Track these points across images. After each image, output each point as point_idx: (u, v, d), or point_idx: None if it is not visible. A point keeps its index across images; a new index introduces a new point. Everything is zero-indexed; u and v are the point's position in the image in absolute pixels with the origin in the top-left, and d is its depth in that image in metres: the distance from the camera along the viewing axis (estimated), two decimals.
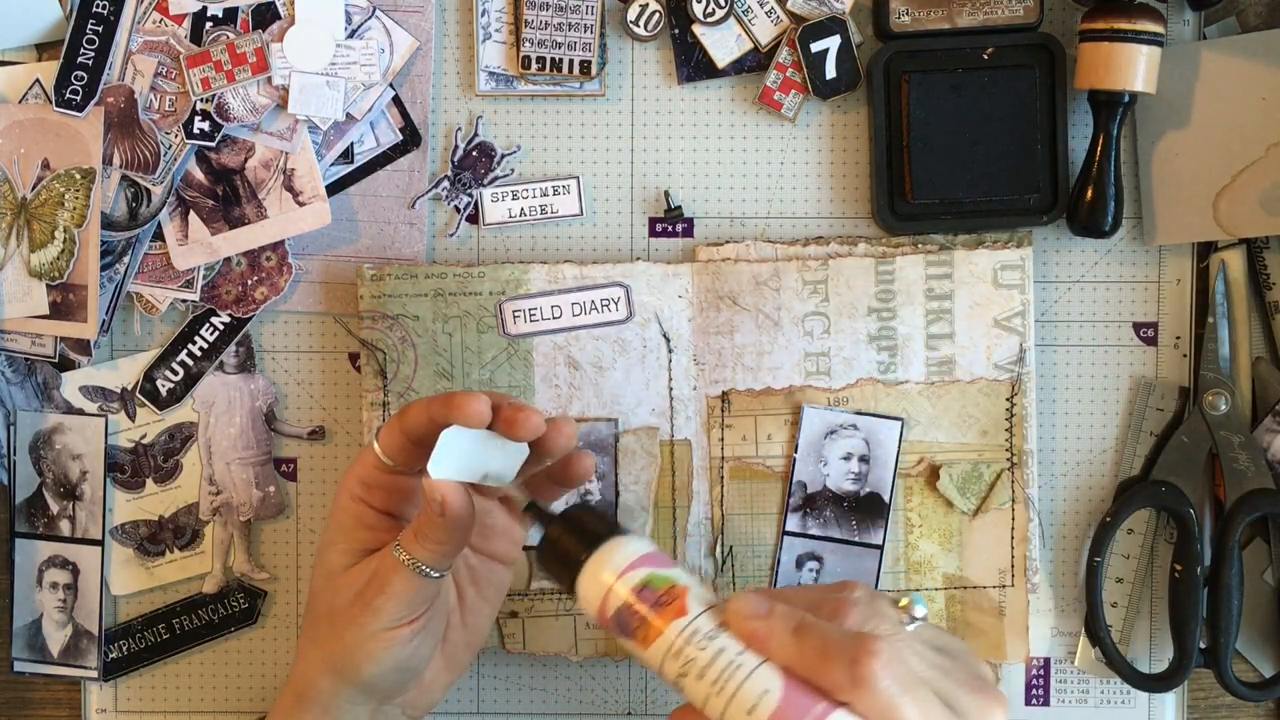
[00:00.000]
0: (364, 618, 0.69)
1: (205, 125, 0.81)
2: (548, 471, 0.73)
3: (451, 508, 0.67)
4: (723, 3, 0.81)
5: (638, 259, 0.83)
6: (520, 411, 0.68)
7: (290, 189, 0.82)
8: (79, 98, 0.80)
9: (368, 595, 0.69)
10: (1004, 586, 0.83)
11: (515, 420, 0.68)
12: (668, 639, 0.62)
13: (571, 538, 0.66)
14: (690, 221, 0.84)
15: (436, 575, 0.69)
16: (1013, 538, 0.83)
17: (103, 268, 0.81)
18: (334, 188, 0.83)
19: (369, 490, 0.71)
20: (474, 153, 0.83)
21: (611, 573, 0.64)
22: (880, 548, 0.83)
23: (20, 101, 0.81)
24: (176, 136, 0.81)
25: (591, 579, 0.64)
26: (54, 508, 0.84)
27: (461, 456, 0.67)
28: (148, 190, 0.81)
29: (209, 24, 0.81)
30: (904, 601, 0.64)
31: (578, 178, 0.83)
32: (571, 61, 0.82)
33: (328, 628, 0.71)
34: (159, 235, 0.82)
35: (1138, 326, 0.84)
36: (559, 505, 0.71)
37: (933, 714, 0.60)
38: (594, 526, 0.66)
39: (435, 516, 0.67)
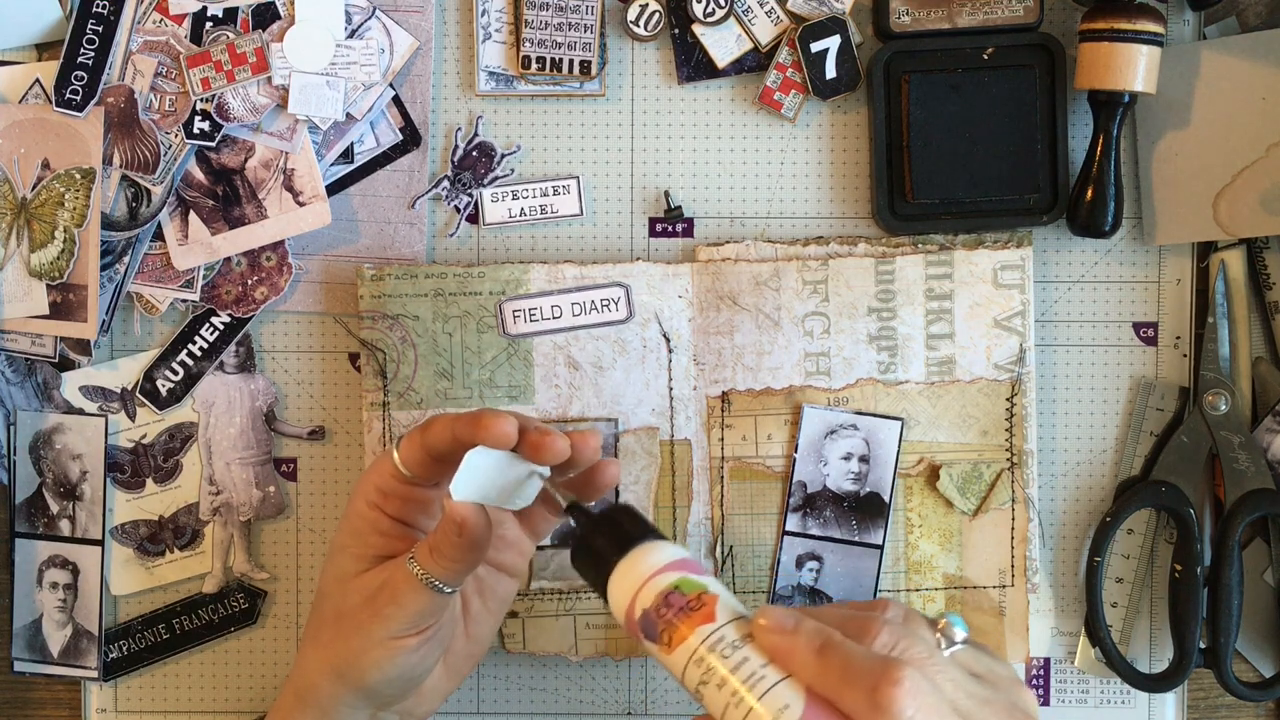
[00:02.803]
0: (372, 625, 0.69)
1: (205, 125, 0.81)
2: (572, 481, 0.73)
3: (470, 528, 0.66)
4: (723, 3, 0.81)
5: (638, 259, 0.83)
6: (546, 436, 0.67)
7: (290, 189, 0.82)
8: (79, 98, 0.80)
9: (378, 603, 0.69)
10: (1004, 586, 0.83)
11: (541, 445, 0.67)
12: (691, 645, 0.61)
13: (606, 539, 0.65)
14: (690, 221, 0.84)
15: (449, 591, 0.69)
16: (1013, 538, 0.83)
17: (103, 268, 0.81)
18: (334, 188, 0.83)
19: (385, 498, 0.71)
20: (474, 153, 0.83)
21: (641, 575, 0.63)
22: (880, 548, 0.83)
23: (20, 101, 0.81)
24: (176, 136, 0.81)
25: (621, 580, 0.64)
26: (54, 508, 0.84)
27: (484, 478, 0.67)
28: (148, 190, 0.81)
29: (209, 24, 0.81)
30: (942, 623, 0.62)
31: (578, 178, 0.83)
32: (571, 61, 0.82)
33: (334, 631, 0.71)
34: (159, 235, 0.82)
35: (1138, 326, 0.84)
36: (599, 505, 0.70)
37: None
38: (630, 529, 0.65)
39: (453, 535, 0.67)
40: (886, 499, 0.82)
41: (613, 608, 0.64)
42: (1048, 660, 0.85)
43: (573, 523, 0.67)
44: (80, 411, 0.84)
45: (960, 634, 0.62)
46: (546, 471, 0.69)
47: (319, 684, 0.71)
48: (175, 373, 0.84)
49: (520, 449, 0.68)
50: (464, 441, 0.67)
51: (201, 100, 0.80)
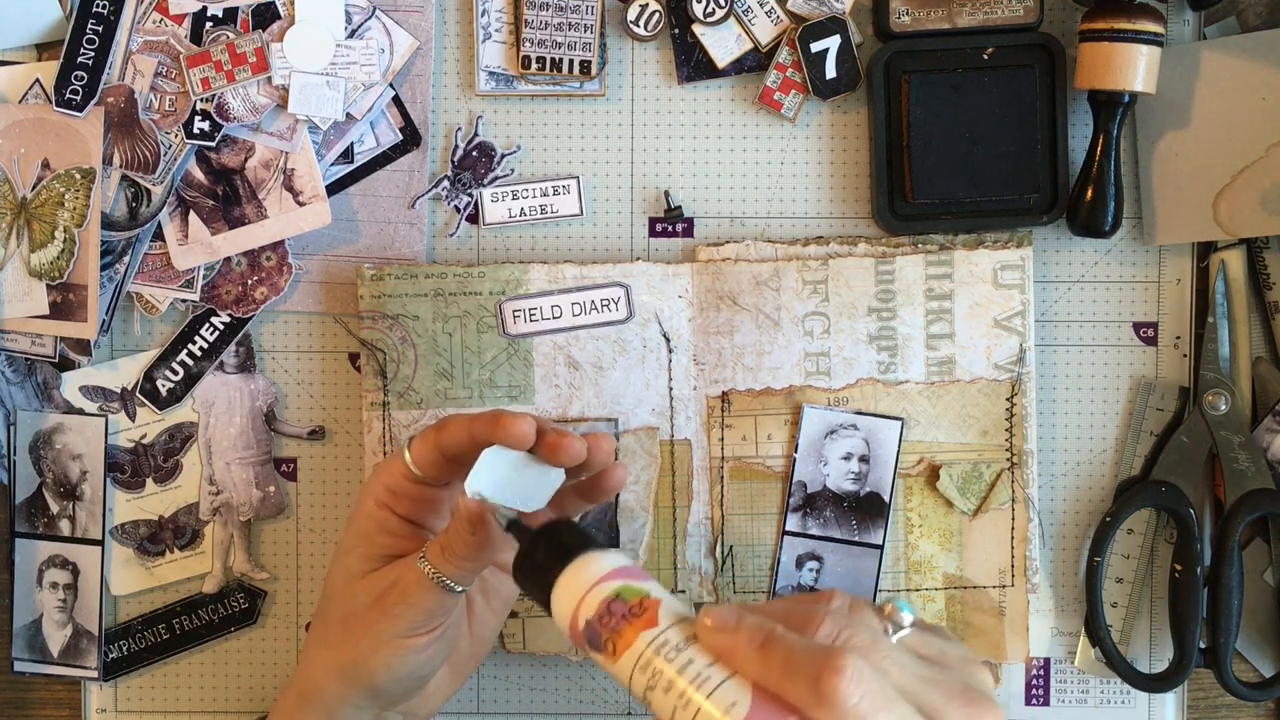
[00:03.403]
0: (381, 624, 0.69)
1: (205, 125, 0.81)
2: (579, 485, 0.73)
3: (485, 527, 0.66)
4: (723, 3, 0.81)
5: (638, 259, 0.83)
6: (564, 438, 0.67)
7: (290, 189, 0.82)
8: (79, 98, 0.80)
9: (387, 603, 0.69)
10: (1004, 586, 0.83)
11: (559, 446, 0.67)
12: (636, 650, 0.61)
13: (546, 552, 0.65)
14: (690, 221, 0.84)
15: (459, 590, 0.69)
16: (1013, 538, 0.83)
17: (103, 268, 0.81)
18: (334, 188, 0.83)
19: (395, 498, 0.71)
20: (474, 153, 0.83)
21: (583, 586, 0.63)
22: (880, 548, 0.83)
23: (20, 101, 0.81)
24: (176, 136, 0.81)
25: (564, 592, 0.63)
26: (54, 508, 0.84)
27: (499, 477, 0.67)
28: (148, 190, 0.81)
29: (209, 24, 0.81)
30: (888, 609, 0.62)
31: (578, 178, 0.83)
32: (571, 61, 0.82)
33: (341, 631, 0.71)
34: (159, 235, 0.82)
35: (1138, 326, 0.84)
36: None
37: None
38: (569, 540, 0.65)
39: (466, 535, 0.67)
40: (886, 499, 0.82)
41: (557, 621, 0.64)
42: (1048, 660, 0.85)
43: (514, 541, 0.67)
44: (80, 411, 0.84)
45: (907, 618, 0.61)
46: (561, 474, 0.69)
47: (326, 684, 0.71)
48: (175, 373, 0.84)
49: (537, 450, 0.68)
50: (481, 441, 0.67)
51: (201, 100, 0.80)
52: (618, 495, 0.82)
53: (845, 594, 0.63)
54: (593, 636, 0.62)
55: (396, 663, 0.69)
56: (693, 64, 0.83)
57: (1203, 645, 0.82)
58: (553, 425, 0.69)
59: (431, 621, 0.69)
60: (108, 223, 0.81)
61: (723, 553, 0.83)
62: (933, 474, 0.82)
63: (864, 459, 0.82)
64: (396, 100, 0.82)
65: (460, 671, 0.75)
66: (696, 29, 0.82)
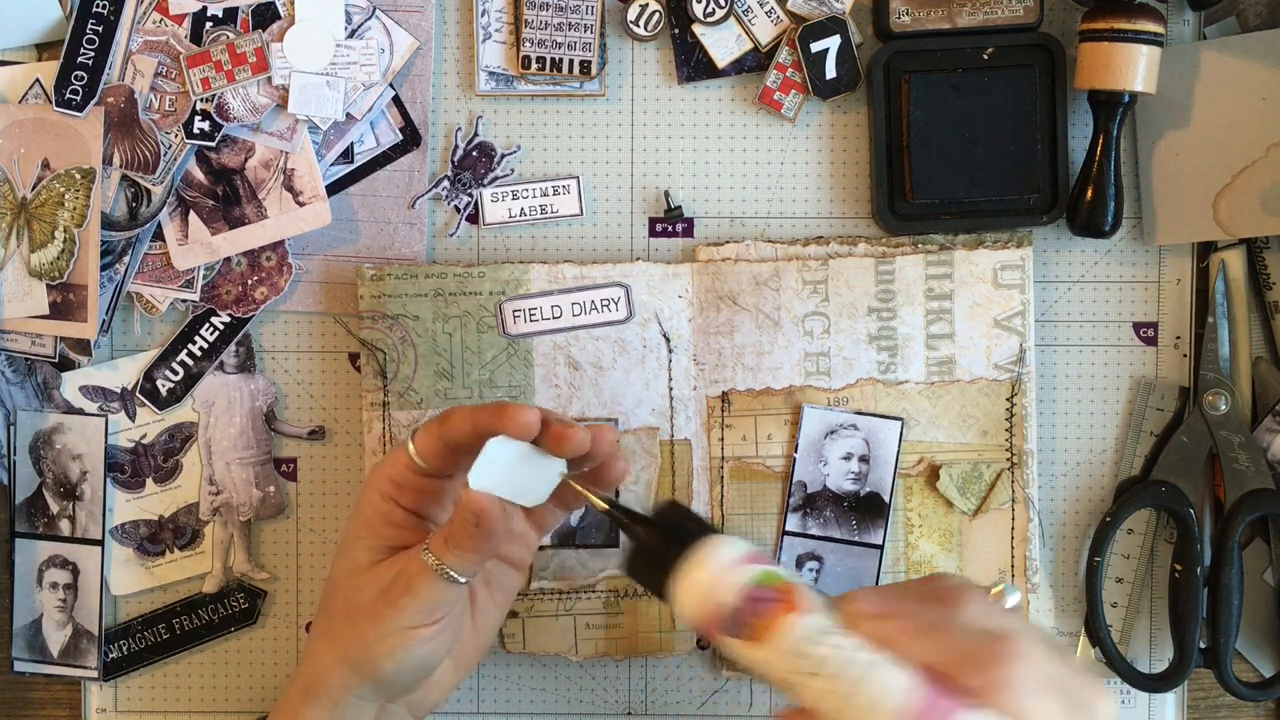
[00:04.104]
0: (387, 615, 0.69)
1: (205, 125, 0.81)
2: (580, 477, 0.73)
3: (488, 518, 0.67)
4: (723, 3, 0.81)
5: (638, 259, 0.83)
6: (569, 428, 0.68)
7: (290, 189, 0.82)
8: (79, 98, 0.80)
9: (392, 594, 0.69)
10: None
11: (564, 437, 0.68)
12: (787, 636, 0.59)
13: (665, 540, 0.64)
14: (690, 221, 0.84)
15: (463, 580, 0.69)
16: (1013, 538, 0.83)
17: (103, 268, 0.81)
18: (334, 188, 0.83)
19: (399, 490, 0.71)
20: (474, 153, 0.83)
21: (715, 573, 0.61)
22: (880, 548, 0.83)
23: (20, 101, 0.81)
24: (176, 136, 0.81)
25: (691, 581, 0.62)
26: (54, 508, 0.84)
27: (502, 468, 0.67)
28: (148, 190, 0.81)
29: (209, 24, 0.81)
30: (996, 589, 0.61)
31: (578, 178, 0.83)
32: (571, 61, 0.82)
33: (346, 623, 0.71)
34: (159, 235, 0.82)
35: (1138, 326, 0.84)
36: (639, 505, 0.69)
37: (1066, 714, 0.58)
38: (689, 527, 0.64)
39: (470, 525, 0.67)
40: (886, 499, 0.82)
41: (680, 609, 0.62)
42: None
43: (621, 527, 0.66)
44: (80, 411, 0.84)
45: (1014, 600, 0.62)
46: (564, 466, 0.69)
47: (331, 677, 0.71)
48: (175, 373, 0.84)
49: (541, 441, 0.68)
50: (484, 432, 0.68)
51: (201, 100, 0.80)
52: (618, 495, 0.82)
53: (955, 575, 0.63)
54: (735, 624, 0.60)
55: (402, 654, 0.69)
56: (693, 64, 0.83)
57: (1203, 645, 0.82)
58: (557, 415, 0.69)
59: (436, 613, 0.69)
60: (108, 223, 0.81)
61: None
62: (933, 474, 0.82)
63: (864, 459, 0.82)
64: (396, 100, 0.82)
65: (463, 663, 0.75)
66: (696, 29, 0.82)
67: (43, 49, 0.82)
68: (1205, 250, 0.84)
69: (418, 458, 0.70)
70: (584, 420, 0.82)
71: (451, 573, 0.68)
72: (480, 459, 0.67)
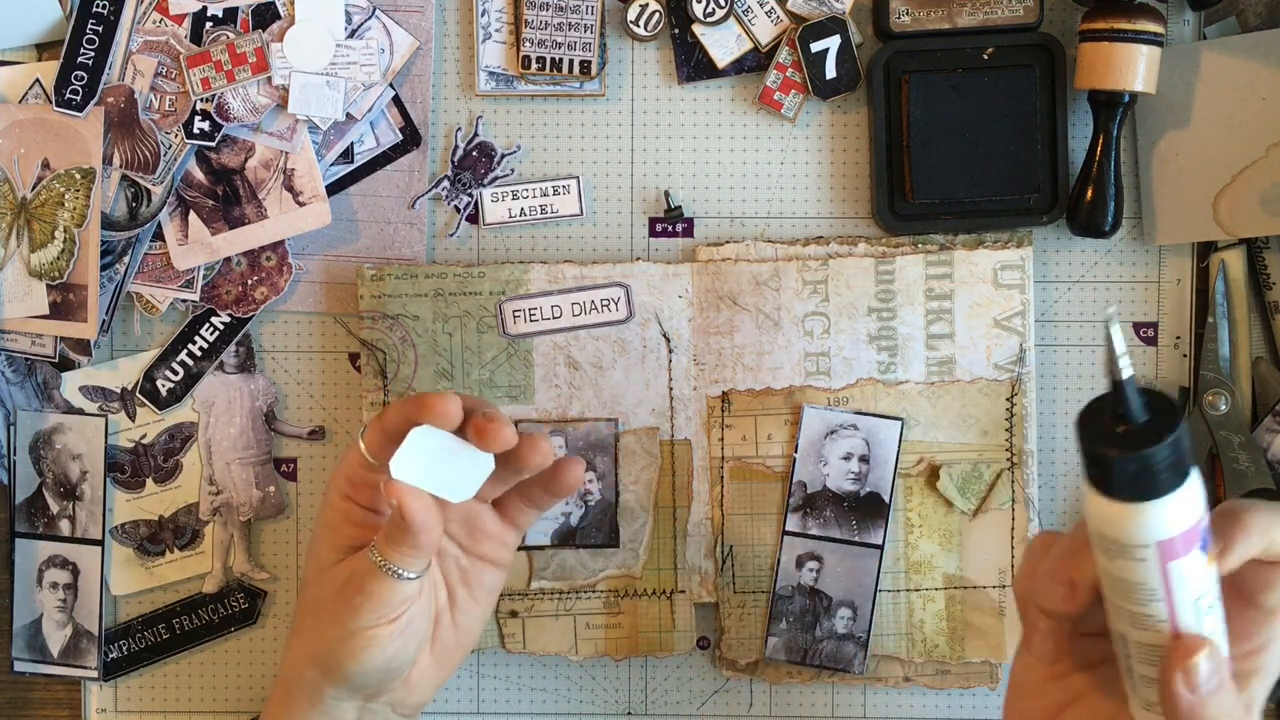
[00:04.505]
0: (344, 615, 0.69)
1: (205, 125, 0.81)
2: (538, 479, 0.73)
3: (409, 512, 0.66)
4: (723, 3, 0.81)
5: (638, 259, 0.83)
6: (491, 422, 0.67)
7: (290, 189, 0.82)
8: (79, 98, 0.80)
9: (348, 593, 0.69)
10: (1004, 586, 0.83)
11: (485, 430, 0.67)
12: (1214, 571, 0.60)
13: (1174, 463, 0.57)
14: (690, 221, 0.84)
15: (411, 577, 0.69)
16: (1013, 538, 0.83)
17: (103, 268, 0.81)
18: (334, 188, 0.83)
19: (355, 488, 0.72)
20: (474, 153, 0.83)
21: (1170, 529, 0.58)
22: (880, 548, 0.83)
23: (20, 101, 0.81)
24: (176, 136, 0.81)
25: (1179, 504, 0.57)
26: (54, 508, 0.84)
27: (427, 459, 0.67)
28: (148, 190, 0.81)
29: (209, 24, 0.81)
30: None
31: (578, 178, 0.83)
32: (571, 61, 0.82)
33: (313, 621, 0.71)
34: (159, 235, 0.82)
35: (1138, 326, 0.84)
36: None
37: None
38: (1182, 460, 0.58)
39: (398, 519, 0.67)
40: (886, 499, 0.82)
41: (1135, 527, 0.58)
42: None
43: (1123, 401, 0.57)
44: (80, 411, 0.84)
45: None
46: (491, 461, 0.68)
47: (304, 674, 0.72)
48: (175, 373, 0.84)
49: (466, 433, 0.67)
50: (413, 421, 0.67)
51: (201, 100, 0.80)
52: (618, 495, 0.82)
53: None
54: (1206, 540, 0.59)
55: (363, 653, 0.69)
56: (693, 64, 0.83)
57: None
58: (486, 408, 0.68)
59: (391, 611, 0.69)
60: (108, 223, 0.81)
61: (723, 553, 0.83)
62: (933, 474, 0.82)
63: (864, 459, 0.82)
64: (396, 100, 0.82)
65: (446, 661, 0.75)
66: (696, 29, 0.82)
67: (43, 49, 0.82)
68: (1205, 250, 0.84)
69: (368, 454, 0.70)
70: (584, 421, 0.82)
71: (397, 570, 0.68)
72: (402, 447, 0.66)
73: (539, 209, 0.83)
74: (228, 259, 0.82)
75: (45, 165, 0.81)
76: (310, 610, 0.72)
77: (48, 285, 0.81)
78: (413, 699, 0.74)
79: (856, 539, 0.83)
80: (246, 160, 0.82)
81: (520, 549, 0.82)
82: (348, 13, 0.81)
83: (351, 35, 0.81)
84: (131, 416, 0.84)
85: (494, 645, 0.83)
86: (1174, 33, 0.82)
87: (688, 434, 0.83)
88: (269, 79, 0.80)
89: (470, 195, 0.83)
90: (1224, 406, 0.82)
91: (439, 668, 0.75)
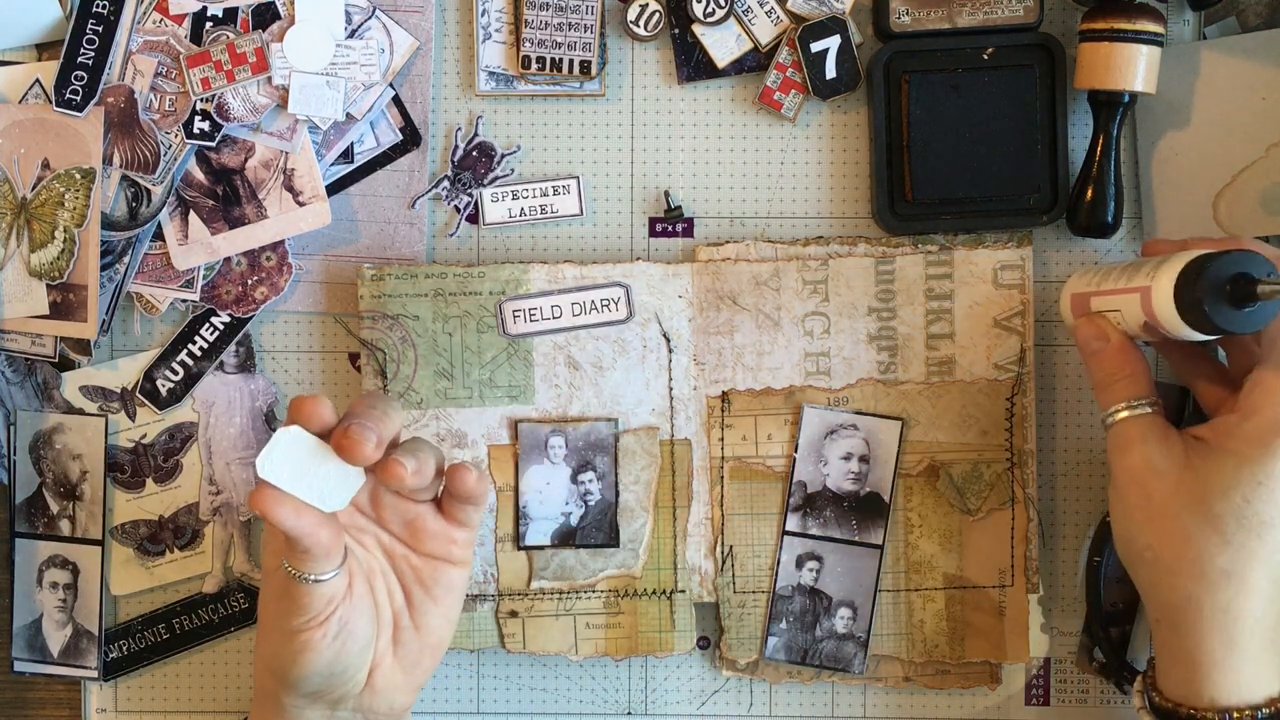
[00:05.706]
0: (279, 619, 0.70)
1: (205, 125, 0.81)
2: (446, 486, 0.72)
3: (275, 521, 0.66)
4: (723, 3, 0.81)
5: (638, 259, 0.83)
6: (348, 436, 0.66)
7: (290, 189, 0.82)
8: (79, 98, 0.80)
9: (278, 600, 0.70)
10: (1004, 586, 0.83)
11: (342, 442, 0.66)
12: None
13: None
14: (690, 221, 0.84)
15: (321, 579, 0.68)
16: (1013, 538, 0.83)
17: (103, 268, 0.81)
18: (334, 188, 0.83)
19: None
20: (474, 153, 0.83)
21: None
22: (880, 548, 0.83)
23: (20, 101, 0.81)
24: (176, 136, 0.81)
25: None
26: (54, 508, 0.84)
27: (294, 463, 0.66)
28: (148, 190, 0.81)
29: (209, 24, 0.81)
30: None
31: (578, 178, 0.83)
32: (571, 61, 0.82)
33: (260, 626, 0.72)
34: (159, 235, 0.82)
35: None
36: None
37: None
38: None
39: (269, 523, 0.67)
40: (886, 499, 0.82)
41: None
42: (1048, 660, 0.85)
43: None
44: (80, 411, 0.84)
45: None
46: (361, 475, 0.68)
47: (264, 680, 0.73)
48: (175, 373, 0.84)
49: (333, 440, 0.67)
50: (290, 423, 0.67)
51: (201, 100, 0.80)
52: (618, 495, 0.82)
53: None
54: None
55: (301, 658, 0.69)
56: (693, 64, 0.83)
57: None
58: (358, 420, 0.67)
59: (318, 614, 0.69)
60: (108, 223, 0.81)
61: (723, 553, 0.83)
62: (933, 474, 0.82)
63: (864, 459, 0.82)
64: (396, 100, 0.82)
65: (414, 664, 0.74)
66: (696, 29, 0.82)
67: (43, 49, 0.82)
68: None
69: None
70: (584, 420, 0.82)
71: (303, 575, 0.68)
72: (267, 446, 0.66)
73: (539, 209, 0.83)
74: (228, 259, 0.82)
75: (45, 165, 0.81)
76: (260, 618, 0.73)
77: (48, 285, 0.81)
78: (382, 705, 0.73)
79: (856, 539, 0.83)
80: (246, 160, 0.82)
81: (520, 549, 0.82)
82: (348, 13, 0.81)
83: (351, 35, 0.81)
84: (131, 416, 0.84)
85: (494, 645, 0.83)
86: (1174, 33, 0.82)
87: (688, 434, 0.83)
88: (269, 79, 0.80)
89: (470, 195, 0.83)
90: None
91: (406, 672, 0.73)
